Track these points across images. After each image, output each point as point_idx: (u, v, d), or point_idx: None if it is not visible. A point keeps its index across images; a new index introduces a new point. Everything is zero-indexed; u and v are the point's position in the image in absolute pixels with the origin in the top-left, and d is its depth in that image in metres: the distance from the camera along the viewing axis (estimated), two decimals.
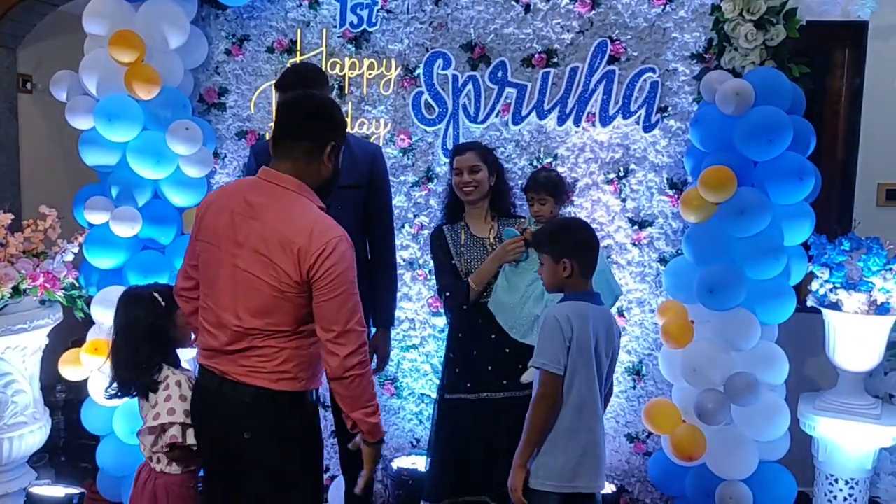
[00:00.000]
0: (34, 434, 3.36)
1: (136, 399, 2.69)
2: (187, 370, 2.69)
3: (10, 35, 4.56)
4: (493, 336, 3.02)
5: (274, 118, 2.33)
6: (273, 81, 3.56)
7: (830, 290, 3.21)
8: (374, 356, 3.28)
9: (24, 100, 4.72)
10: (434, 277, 3.30)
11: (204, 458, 2.46)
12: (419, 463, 3.61)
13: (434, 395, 3.71)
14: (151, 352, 2.60)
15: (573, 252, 2.53)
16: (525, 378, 2.92)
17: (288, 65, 3.78)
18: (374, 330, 3.20)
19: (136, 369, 2.59)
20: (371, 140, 3.73)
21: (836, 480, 3.31)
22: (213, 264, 2.25)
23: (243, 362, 2.21)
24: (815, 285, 3.27)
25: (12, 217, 3.45)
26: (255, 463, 2.26)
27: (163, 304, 2.62)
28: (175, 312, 2.58)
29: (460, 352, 3.11)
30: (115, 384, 2.65)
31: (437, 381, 3.43)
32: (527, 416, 2.50)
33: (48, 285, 3.37)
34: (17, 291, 3.28)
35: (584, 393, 2.47)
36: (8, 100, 4.63)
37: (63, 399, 4.32)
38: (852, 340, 3.19)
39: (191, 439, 2.48)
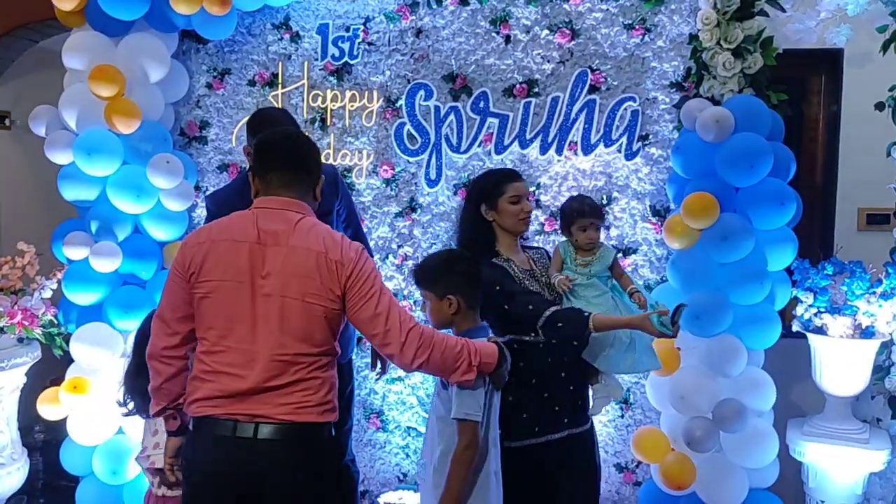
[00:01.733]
0: (12, 476, 3.30)
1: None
2: None
3: None
4: (562, 375, 2.76)
5: (268, 150, 2.29)
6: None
7: (815, 315, 3.22)
8: (378, 361, 3.21)
9: (3, 136, 4.70)
10: (510, 308, 2.64)
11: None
12: (406, 497, 3.56)
13: (421, 429, 3.68)
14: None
15: (457, 287, 2.40)
16: (593, 411, 2.80)
17: (270, 98, 3.80)
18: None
19: (134, 384, 2.62)
20: (353, 172, 3.76)
21: None
22: (233, 302, 2.14)
23: (285, 400, 2.11)
24: (799, 310, 3.28)
25: None
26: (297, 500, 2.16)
27: None
28: None
29: (531, 395, 2.73)
30: (122, 390, 2.69)
31: (425, 415, 3.32)
32: (449, 472, 2.31)
33: (26, 322, 3.33)
34: None
35: (497, 432, 2.40)
36: None
37: (41, 440, 4.23)
38: (838, 365, 3.19)
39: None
